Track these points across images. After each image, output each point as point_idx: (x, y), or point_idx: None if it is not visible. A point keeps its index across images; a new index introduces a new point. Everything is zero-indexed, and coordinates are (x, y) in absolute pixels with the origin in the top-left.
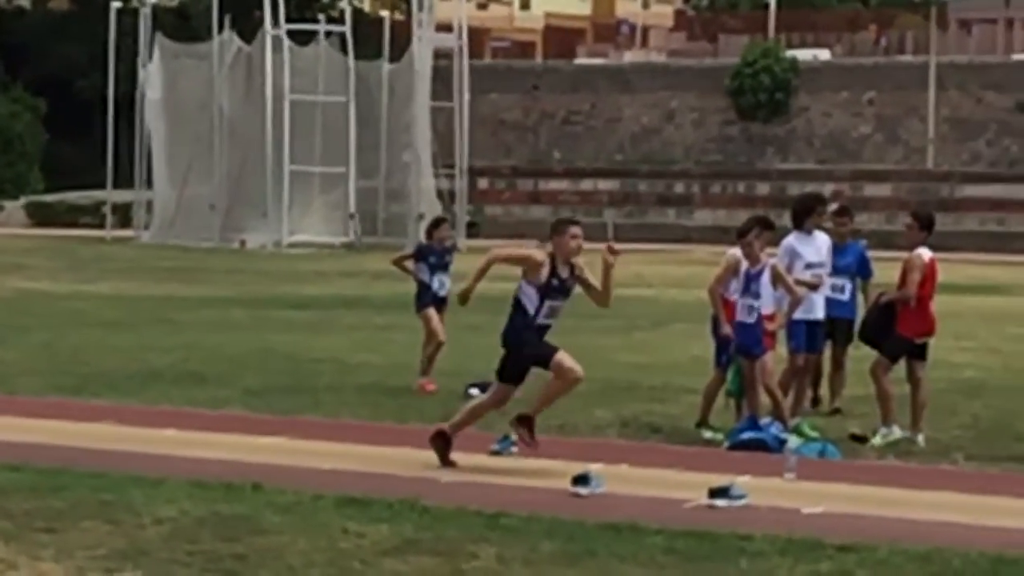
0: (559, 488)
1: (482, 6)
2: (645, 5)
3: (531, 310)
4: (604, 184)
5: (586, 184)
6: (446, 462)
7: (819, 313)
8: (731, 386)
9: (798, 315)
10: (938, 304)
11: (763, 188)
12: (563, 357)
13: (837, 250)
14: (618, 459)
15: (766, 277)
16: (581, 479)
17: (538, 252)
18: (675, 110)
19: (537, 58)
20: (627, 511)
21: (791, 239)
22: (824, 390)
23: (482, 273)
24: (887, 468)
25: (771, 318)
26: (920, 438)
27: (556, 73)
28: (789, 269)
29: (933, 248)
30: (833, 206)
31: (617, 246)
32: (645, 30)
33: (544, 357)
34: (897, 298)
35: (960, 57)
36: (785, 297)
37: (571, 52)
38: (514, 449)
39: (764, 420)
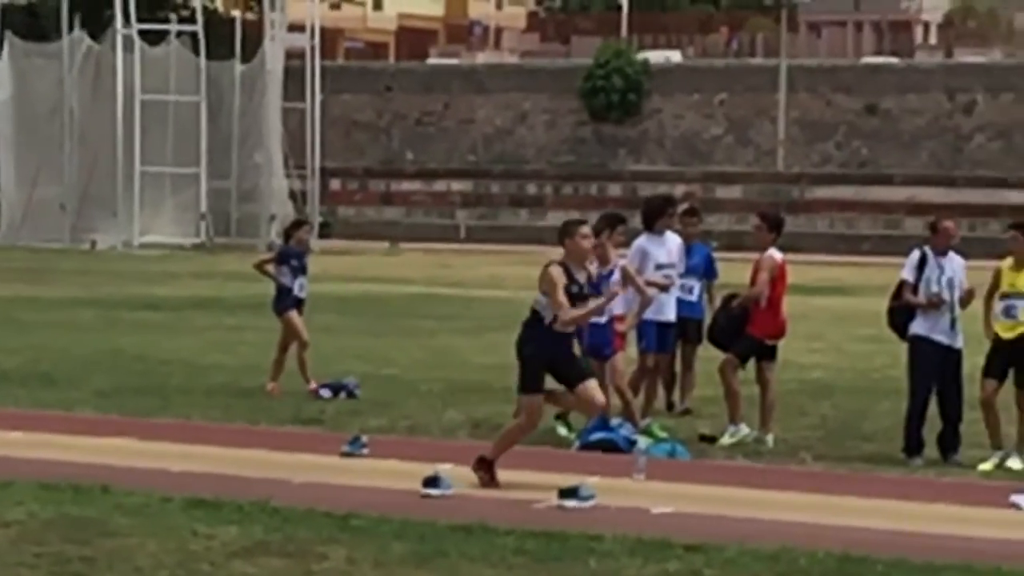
0: (410, 489)
1: (335, 6)
2: (498, 6)
3: (547, 318)
4: (457, 185)
5: (439, 185)
6: (492, 484)
7: (669, 314)
8: None
9: (648, 316)
10: (788, 305)
11: (615, 189)
12: (592, 385)
13: (685, 251)
14: (469, 460)
15: (616, 278)
16: (432, 480)
17: (555, 270)
18: (528, 111)
19: (390, 59)
20: (477, 512)
21: (642, 240)
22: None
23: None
24: (736, 468)
25: (621, 319)
26: (769, 438)
27: (409, 74)
28: (640, 270)
29: (783, 249)
30: (682, 207)
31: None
32: (498, 31)
33: (575, 378)
34: (747, 297)
35: (810, 60)
36: (636, 298)
37: (424, 53)
38: (365, 451)
39: (614, 421)
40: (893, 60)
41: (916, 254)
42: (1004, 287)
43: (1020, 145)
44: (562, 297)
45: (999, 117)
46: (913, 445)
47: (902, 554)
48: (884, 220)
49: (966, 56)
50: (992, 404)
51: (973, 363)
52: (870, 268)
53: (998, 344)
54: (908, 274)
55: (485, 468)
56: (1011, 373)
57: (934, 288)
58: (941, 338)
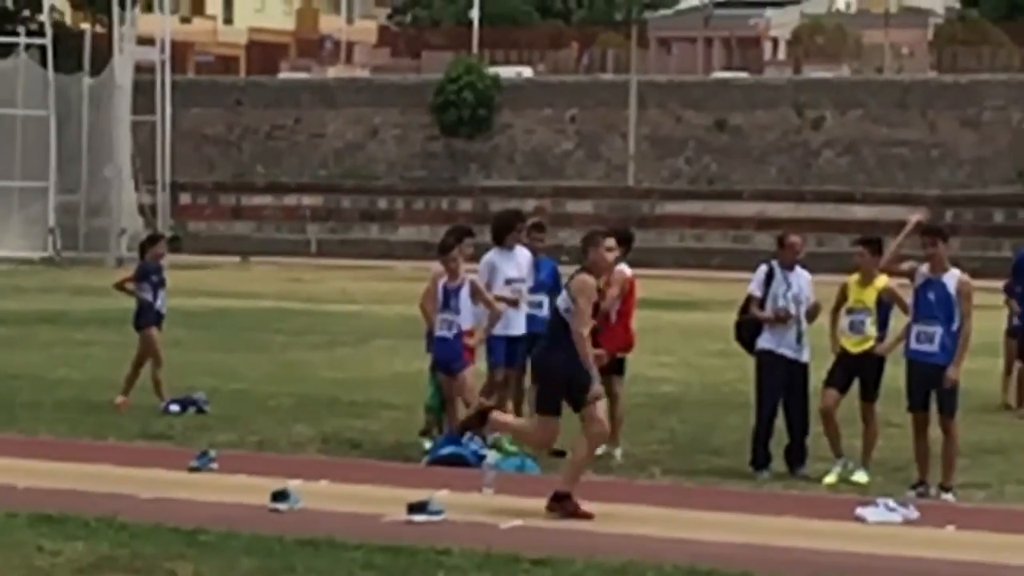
0: (258, 504)
1: (185, 20)
2: (349, 21)
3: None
4: (308, 199)
5: (290, 199)
6: (582, 515)
7: (519, 329)
8: (430, 401)
9: (497, 330)
10: (637, 320)
11: (466, 204)
12: (598, 409)
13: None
14: (318, 475)
15: (465, 292)
16: (280, 495)
17: (589, 278)
18: (379, 126)
19: (241, 73)
20: (326, 527)
21: (492, 255)
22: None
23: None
24: (586, 483)
25: (471, 333)
26: (618, 452)
27: (260, 88)
28: (489, 285)
29: (633, 264)
30: (529, 222)
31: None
32: (349, 46)
33: (581, 400)
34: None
35: (660, 76)
36: (485, 312)
37: (275, 67)
38: (214, 466)
39: (464, 435)
40: (742, 76)
41: (763, 269)
42: (851, 302)
43: (868, 161)
44: (588, 308)
45: (847, 133)
46: (760, 459)
47: (749, 567)
48: (733, 235)
49: (814, 72)
50: (831, 414)
51: (819, 377)
52: (719, 283)
53: (844, 358)
54: (755, 289)
55: (564, 500)
56: (857, 386)
57: (781, 303)
58: (788, 352)
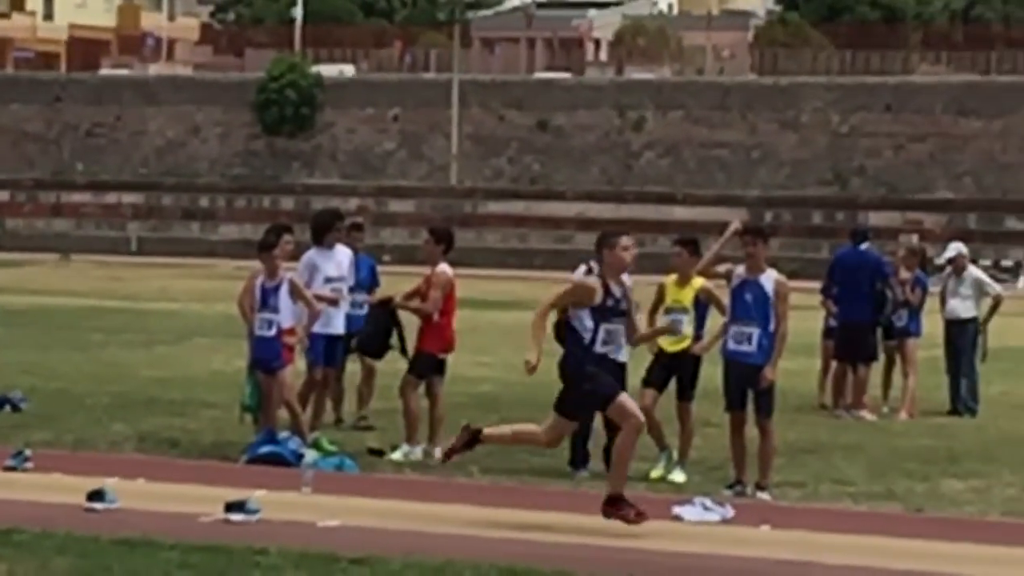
0: (74, 503)
1: (3, 15)
2: (171, 18)
3: (586, 338)
4: (128, 197)
5: (110, 197)
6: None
7: (338, 328)
8: (248, 400)
9: (317, 329)
10: (458, 320)
11: (288, 203)
12: (625, 400)
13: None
14: (135, 474)
15: (284, 291)
16: (96, 494)
17: (589, 278)
18: (201, 124)
19: (61, 69)
20: (142, 526)
21: (311, 254)
22: (351, 407)
23: (538, 338)
24: (404, 482)
25: (290, 332)
26: (437, 452)
27: (80, 84)
28: (309, 284)
29: (455, 264)
30: (348, 221)
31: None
32: (171, 43)
33: (604, 398)
34: (418, 312)
35: (483, 75)
36: (304, 311)
37: (96, 63)
38: (29, 465)
39: (283, 434)
40: (565, 76)
41: (583, 269)
42: (668, 302)
43: (688, 162)
44: (558, 299)
45: (668, 134)
46: (579, 458)
47: (566, 567)
48: (555, 235)
49: (636, 73)
50: (651, 412)
51: (638, 376)
52: (541, 282)
53: (661, 358)
54: None
55: (618, 505)
56: (674, 386)
57: None
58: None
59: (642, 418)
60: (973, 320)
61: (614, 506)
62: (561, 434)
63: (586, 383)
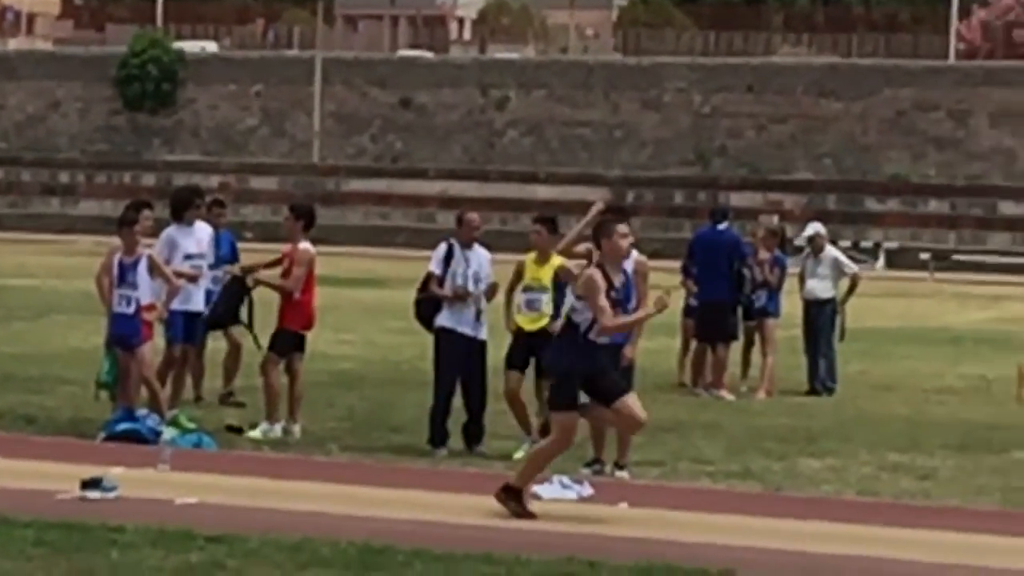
0: None
1: None
2: None
3: (583, 327)
4: None
5: None
6: (526, 515)
7: (198, 304)
8: (105, 377)
9: (176, 306)
10: (319, 297)
11: (149, 179)
12: (632, 400)
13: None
14: None
15: (143, 267)
16: None
17: (596, 274)
18: (61, 99)
19: None
20: None
21: (171, 230)
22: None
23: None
24: (263, 459)
25: (149, 308)
26: (296, 429)
27: None
28: (169, 260)
29: (316, 241)
30: (209, 198)
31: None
32: (31, 17)
33: (610, 393)
34: (278, 287)
35: (346, 53)
36: (164, 287)
37: None
38: None
39: (140, 411)
40: (428, 55)
41: (443, 247)
42: (527, 280)
43: (551, 141)
44: (603, 302)
45: (531, 113)
46: (438, 436)
47: (424, 544)
48: (417, 213)
49: (499, 52)
50: (517, 396)
51: (498, 355)
52: (403, 261)
53: (520, 336)
54: (435, 267)
55: (515, 498)
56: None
57: (459, 281)
58: (466, 330)
59: (573, 441)
60: (831, 300)
61: (509, 495)
62: (572, 428)
63: (592, 375)
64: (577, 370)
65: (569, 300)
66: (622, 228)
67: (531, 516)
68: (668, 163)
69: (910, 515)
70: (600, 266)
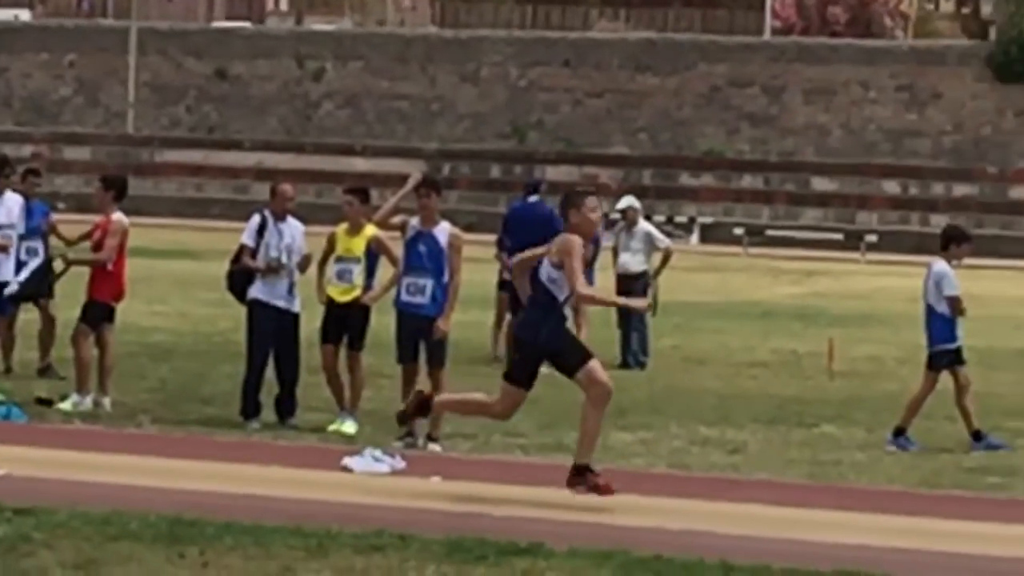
0: None
1: None
2: None
3: (560, 297)
4: None
5: None
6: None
7: (8, 275)
8: None
9: None
10: (132, 269)
11: None
12: (597, 366)
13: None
14: None
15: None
16: None
17: (574, 238)
18: None
19: None
20: None
21: None
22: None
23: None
24: (73, 431)
25: None
26: (107, 401)
27: None
28: None
29: (131, 212)
30: (24, 167)
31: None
32: None
33: (576, 360)
34: (93, 261)
35: (161, 23)
36: None
37: None
38: None
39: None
40: (244, 25)
41: (256, 219)
42: (339, 251)
43: (367, 113)
44: (578, 265)
45: (347, 85)
46: (250, 408)
47: (234, 517)
48: (233, 185)
49: (316, 24)
50: (334, 370)
51: (312, 328)
52: (218, 233)
53: (332, 308)
54: (248, 238)
55: (589, 474)
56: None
57: (273, 253)
58: (279, 302)
59: (611, 386)
60: (644, 274)
61: (580, 475)
62: (516, 404)
63: (563, 345)
64: (548, 348)
65: (548, 271)
66: (591, 201)
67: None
68: (484, 136)
69: (720, 488)
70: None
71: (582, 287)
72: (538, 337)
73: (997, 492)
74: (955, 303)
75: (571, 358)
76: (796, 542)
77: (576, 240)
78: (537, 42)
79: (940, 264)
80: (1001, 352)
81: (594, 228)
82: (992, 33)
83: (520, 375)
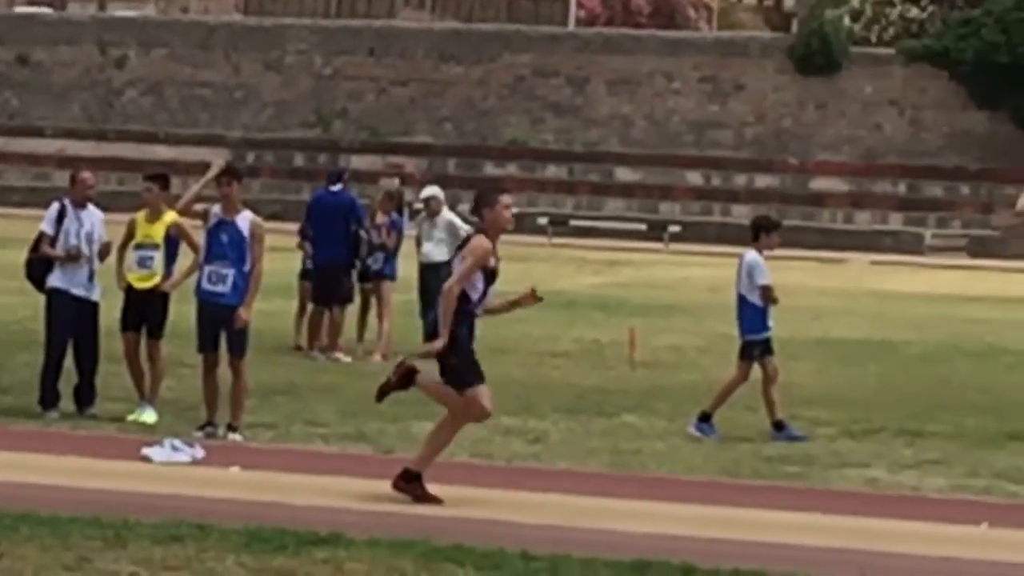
0: None
1: None
2: None
3: (474, 297)
4: None
5: None
6: (431, 499)
7: None
8: None
9: None
10: None
11: None
12: (482, 392)
13: None
14: None
15: None
16: None
17: (482, 239)
18: None
19: None
20: None
21: None
22: None
23: (452, 320)
24: None
25: None
26: None
27: None
28: None
29: None
30: None
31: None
32: None
33: (468, 379)
34: None
35: None
36: None
37: None
38: None
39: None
40: (46, 11)
41: (55, 206)
42: (139, 238)
43: (171, 100)
44: (468, 268)
45: (150, 72)
46: (49, 398)
47: (31, 507)
48: (34, 172)
49: (119, 10)
50: (135, 358)
51: (112, 317)
52: (18, 220)
53: (131, 295)
54: (47, 226)
55: (416, 482)
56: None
57: (72, 241)
58: (79, 291)
59: (490, 413)
60: (446, 263)
61: (410, 483)
62: (486, 399)
63: (459, 357)
64: (470, 345)
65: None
66: (506, 199)
67: (437, 500)
68: (289, 125)
69: (521, 477)
70: (485, 235)
71: (456, 287)
72: (463, 341)
73: (795, 481)
74: (767, 291)
75: (463, 375)
76: (597, 531)
77: (483, 246)
78: (342, 31)
79: (751, 254)
80: (801, 342)
81: (507, 226)
82: (794, 25)
83: (468, 379)
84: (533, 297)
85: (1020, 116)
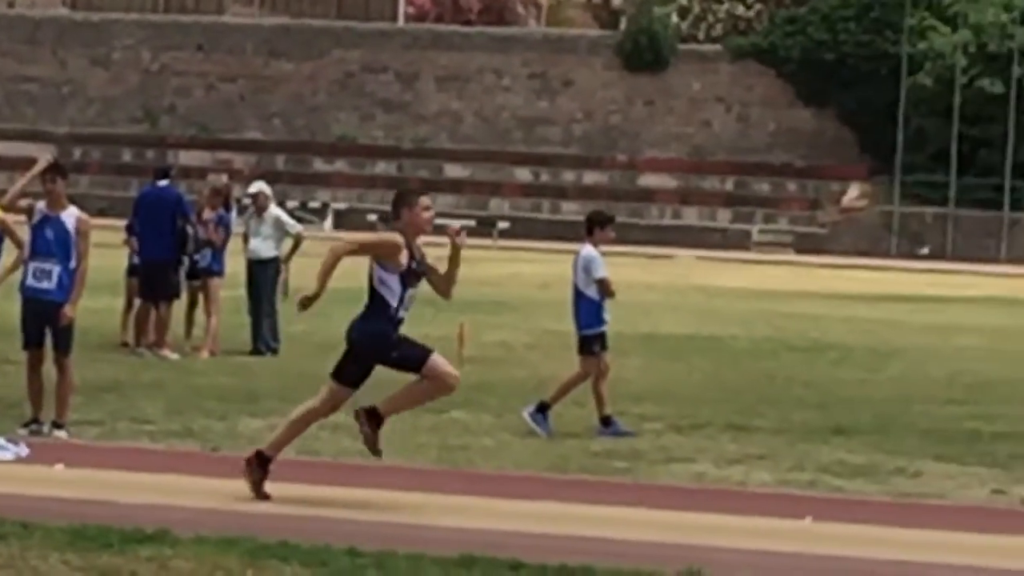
0: None
1: None
2: None
3: (393, 302)
4: None
5: None
6: (260, 494)
7: None
8: None
9: None
10: None
11: None
12: (438, 360)
13: None
14: None
15: None
16: None
17: (395, 234)
18: None
19: None
20: None
21: None
22: None
23: (328, 274)
24: None
25: None
26: None
27: None
28: None
29: None
30: None
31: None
32: None
33: (415, 360)
34: None
35: None
36: None
37: None
38: None
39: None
40: None
41: None
42: None
43: None
44: (365, 240)
45: None
46: None
47: None
48: None
49: None
50: None
51: None
52: None
53: None
54: None
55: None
56: None
57: None
58: None
59: (457, 379)
60: (274, 260)
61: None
62: (340, 402)
63: (394, 351)
64: (378, 355)
65: (379, 274)
66: (425, 200)
67: (266, 497)
68: (116, 121)
69: (348, 473)
70: (403, 236)
71: (335, 244)
72: (361, 340)
73: (622, 476)
74: (604, 285)
75: (410, 359)
76: (423, 527)
77: (393, 238)
78: (170, 26)
79: (587, 248)
80: (629, 337)
81: (425, 228)
82: (622, 23)
83: (348, 376)
84: (455, 237)
85: (846, 113)
